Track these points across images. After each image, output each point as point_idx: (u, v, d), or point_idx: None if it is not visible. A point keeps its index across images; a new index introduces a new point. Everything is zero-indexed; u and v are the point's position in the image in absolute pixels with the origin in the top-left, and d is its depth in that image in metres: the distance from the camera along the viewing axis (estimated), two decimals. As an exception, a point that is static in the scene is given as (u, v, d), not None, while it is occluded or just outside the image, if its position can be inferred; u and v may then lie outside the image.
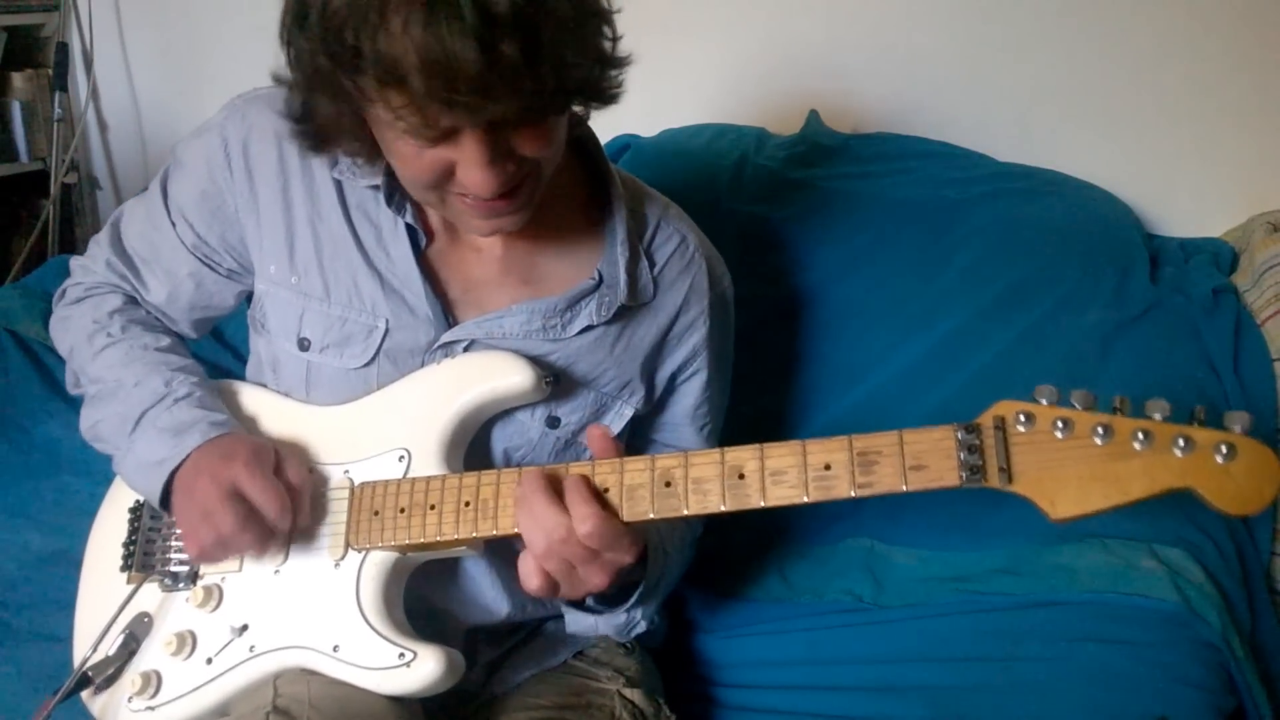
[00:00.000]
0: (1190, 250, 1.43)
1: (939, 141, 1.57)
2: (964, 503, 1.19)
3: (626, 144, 1.65)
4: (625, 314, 1.02)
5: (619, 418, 1.04)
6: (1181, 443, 0.69)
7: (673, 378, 1.07)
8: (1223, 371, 1.23)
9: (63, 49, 2.39)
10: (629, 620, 0.98)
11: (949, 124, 1.58)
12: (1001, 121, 1.57)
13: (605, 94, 0.88)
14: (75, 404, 1.48)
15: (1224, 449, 0.68)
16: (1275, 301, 1.24)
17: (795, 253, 1.45)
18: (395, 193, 0.97)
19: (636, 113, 1.79)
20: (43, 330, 1.57)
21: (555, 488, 0.84)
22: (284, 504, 0.93)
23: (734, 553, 1.26)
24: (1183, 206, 1.50)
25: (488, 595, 1.03)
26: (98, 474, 1.38)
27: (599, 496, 0.84)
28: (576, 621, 0.99)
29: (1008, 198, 1.44)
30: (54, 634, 1.18)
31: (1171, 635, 1.03)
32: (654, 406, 1.08)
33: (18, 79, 2.41)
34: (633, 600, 0.95)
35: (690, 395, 1.09)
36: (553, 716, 0.99)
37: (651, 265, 1.04)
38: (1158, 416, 0.70)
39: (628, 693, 1.03)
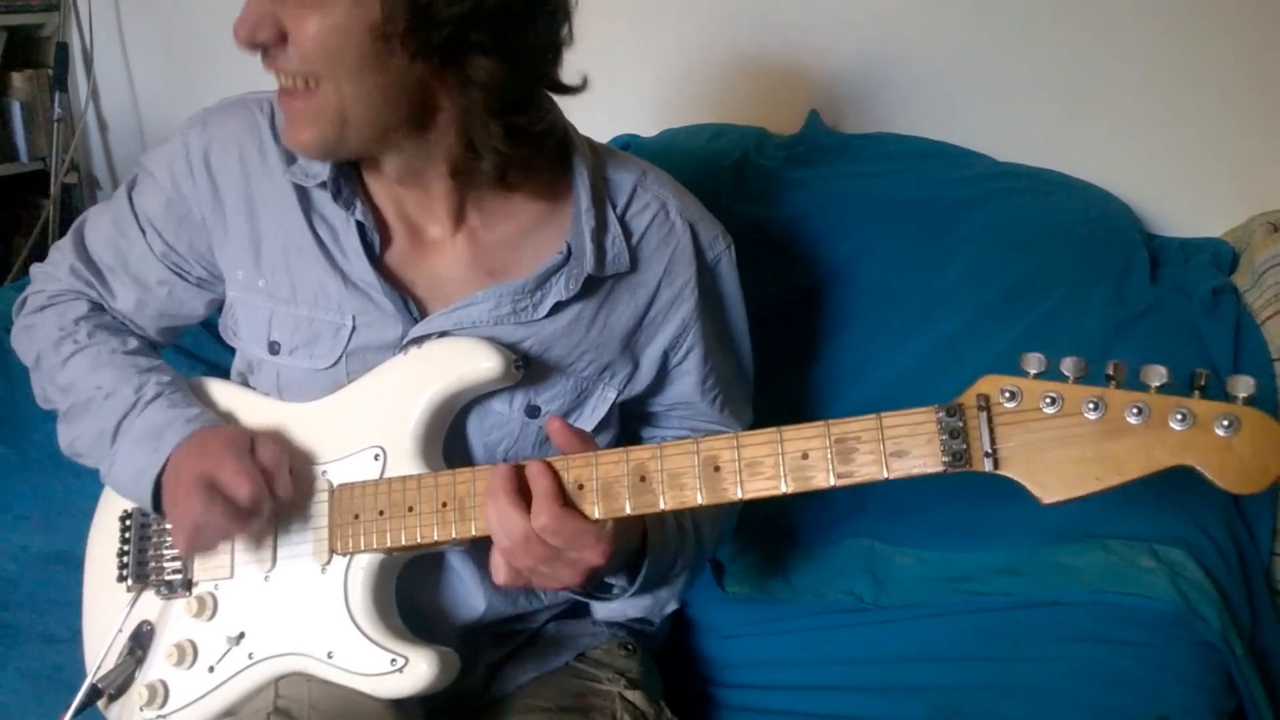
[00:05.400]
0: (1190, 250, 1.43)
1: (939, 141, 1.57)
2: (964, 503, 1.20)
3: (626, 144, 1.65)
4: (601, 290, 0.99)
5: (602, 401, 1.01)
6: (1180, 416, 0.64)
7: (665, 357, 1.03)
8: (1223, 372, 1.22)
9: (63, 49, 2.39)
10: (655, 601, 0.98)
11: (949, 124, 1.58)
12: (1002, 121, 1.57)
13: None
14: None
15: (1225, 421, 0.63)
16: (1275, 301, 1.24)
17: (795, 253, 1.44)
18: (342, 188, 0.97)
19: (636, 113, 1.79)
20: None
21: (523, 485, 0.84)
22: (255, 484, 0.91)
23: (735, 552, 1.26)
24: (1183, 206, 1.50)
25: (473, 592, 1.03)
26: (97, 474, 1.38)
27: (560, 493, 0.83)
28: (600, 608, 0.99)
29: (1008, 198, 1.44)
30: (55, 634, 1.18)
31: (1171, 635, 1.03)
32: (651, 388, 1.04)
33: (18, 79, 2.41)
34: (635, 587, 0.93)
35: (692, 372, 1.05)
36: (555, 718, 0.99)
37: (628, 236, 1.00)
38: (1155, 385, 0.65)
39: (629, 694, 1.03)
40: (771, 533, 1.26)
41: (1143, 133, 1.49)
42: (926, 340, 1.32)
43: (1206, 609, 1.03)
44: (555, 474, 0.84)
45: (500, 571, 0.85)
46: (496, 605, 1.03)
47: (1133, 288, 1.31)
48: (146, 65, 2.42)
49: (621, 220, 1.00)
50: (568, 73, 0.95)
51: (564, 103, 1.10)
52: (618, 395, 1.02)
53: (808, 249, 1.44)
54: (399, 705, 0.92)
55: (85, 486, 1.36)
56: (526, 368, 0.96)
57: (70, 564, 1.26)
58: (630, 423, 1.08)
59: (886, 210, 1.44)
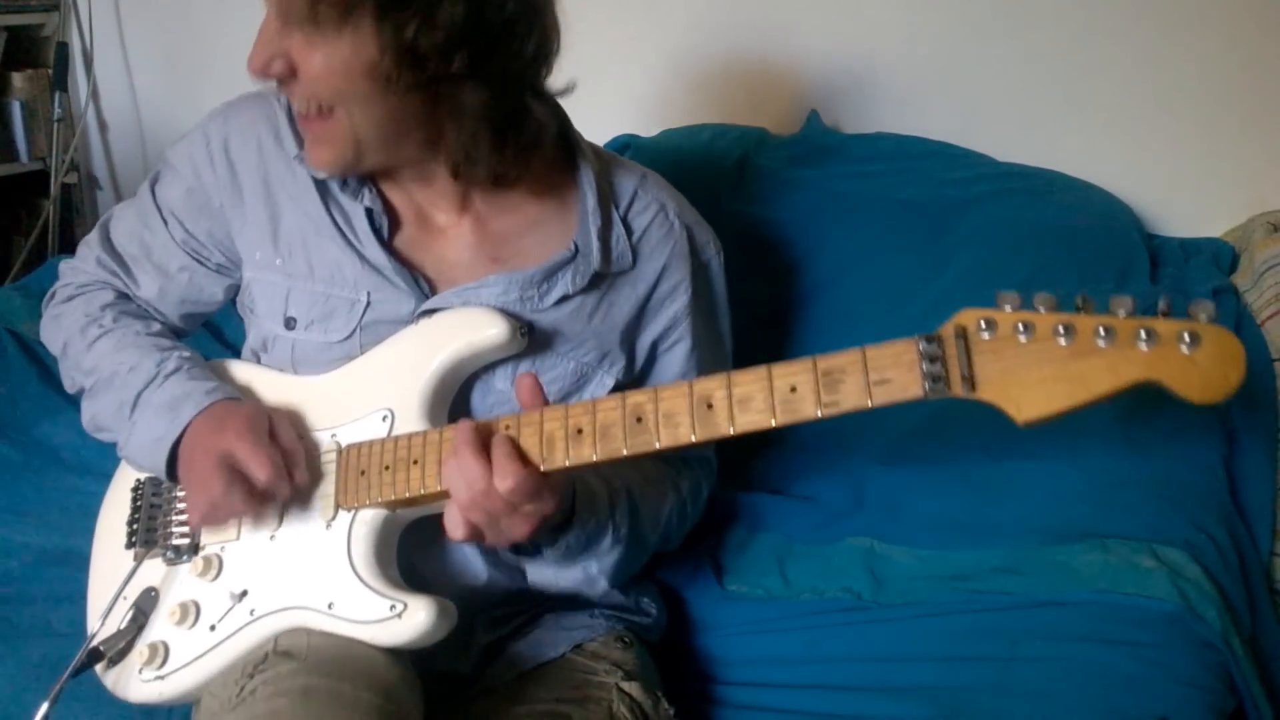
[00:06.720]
0: (1190, 250, 1.43)
1: (939, 141, 1.57)
2: (964, 502, 1.20)
3: (626, 144, 1.65)
4: (603, 283, 1.05)
5: (600, 387, 1.06)
6: (1144, 335, 0.66)
7: (654, 346, 1.09)
8: (1223, 371, 1.22)
9: (63, 49, 2.40)
10: (586, 575, 1.01)
11: (949, 124, 1.58)
12: (1001, 121, 1.57)
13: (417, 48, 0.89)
14: (76, 403, 1.48)
15: (1187, 337, 0.66)
16: (1275, 301, 1.24)
17: (795, 253, 1.45)
18: (349, 178, 1.03)
19: (636, 113, 1.79)
20: (43, 330, 1.58)
21: (484, 441, 0.86)
22: (275, 467, 0.94)
23: (733, 550, 1.26)
24: (1183, 206, 1.50)
25: (472, 562, 1.05)
26: (98, 472, 1.38)
27: (521, 454, 0.86)
28: (536, 573, 1.02)
29: (1008, 198, 1.44)
30: (56, 630, 1.19)
31: (1171, 635, 1.03)
32: (637, 376, 1.09)
33: (18, 79, 2.41)
34: (561, 548, 0.95)
35: (675, 364, 1.10)
36: (552, 709, 0.99)
37: (630, 233, 1.06)
38: (1121, 313, 0.68)
39: (625, 686, 1.03)
40: (770, 531, 1.27)
41: (1144, 133, 1.50)
42: (927, 340, 1.32)
43: (1206, 609, 1.03)
44: (514, 440, 0.86)
45: (457, 529, 0.87)
46: (498, 577, 1.05)
47: (1132, 288, 1.31)
48: (146, 65, 2.42)
49: (624, 220, 1.07)
50: (560, 77, 1.01)
51: (565, 103, 1.11)
52: (615, 383, 1.06)
53: (808, 249, 1.44)
54: (396, 663, 0.92)
55: (86, 485, 1.37)
56: (531, 335, 1.01)
57: (72, 561, 1.26)
58: None
59: (886, 210, 1.44)
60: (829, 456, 1.32)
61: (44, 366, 1.53)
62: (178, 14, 2.29)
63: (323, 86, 0.92)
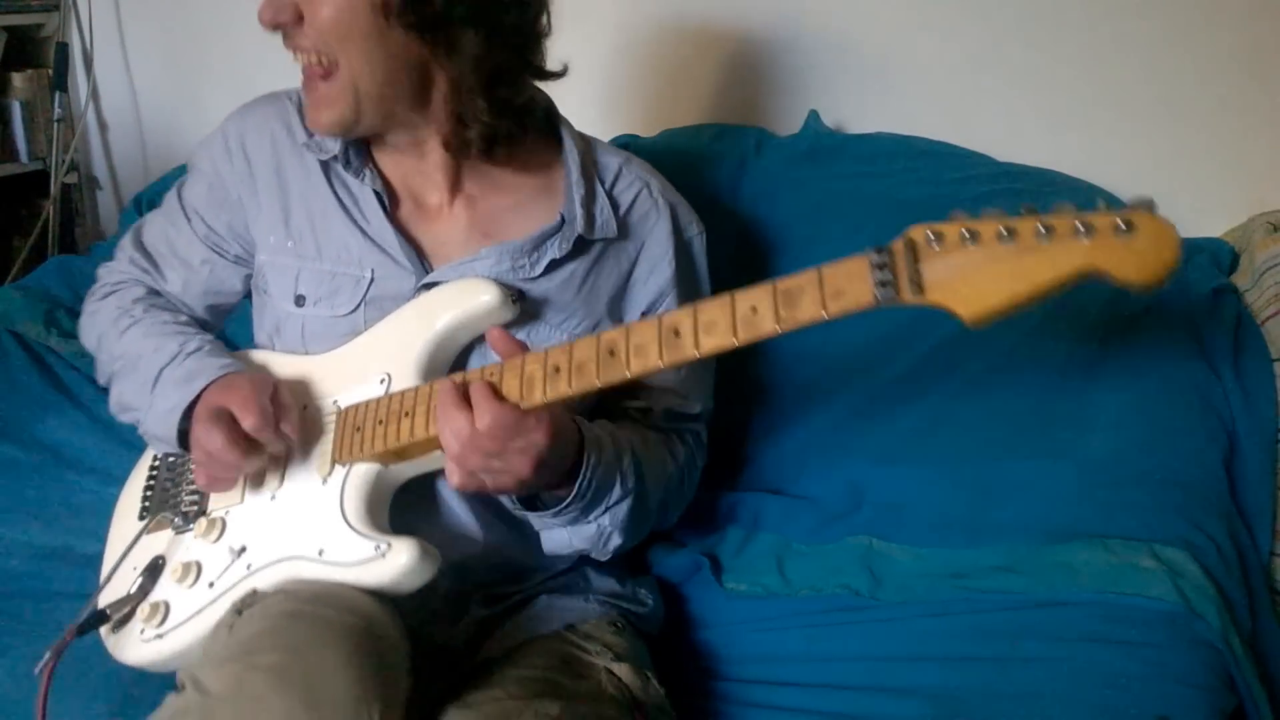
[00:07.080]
0: (1190, 250, 1.43)
1: (939, 141, 1.57)
2: (963, 501, 1.20)
3: (626, 144, 1.65)
4: (591, 253, 1.12)
5: None
6: (1081, 228, 0.69)
7: (641, 319, 1.12)
8: (1223, 371, 1.23)
9: (63, 49, 2.39)
10: (599, 532, 1.03)
11: (949, 124, 1.58)
12: (1001, 121, 1.57)
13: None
14: (77, 403, 1.49)
15: (1122, 225, 0.68)
16: (1275, 301, 1.24)
17: (795, 253, 1.44)
18: (352, 160, 1.11)
19: (637, 113, 1.79)
20: (43, 330, 1.58)
21: (465, 393, 0.91)
22: (263, 414, 1.00)
23: (733, 550, 1.26)
24: (1183, 206, 1.50)
25: (465, 523, 1.08)
26: (100, 472, 1.39)
27: (497, 394, 0.91)
28: (551, 540, 1.05)
29: (1008, 198, 1.43)
30: (58, 623, 1.19)
31: (1171, 635, 1.03)
32: None
33: (18, 79, 2.41)
34: (574, 494, 0.97)
35: None
36: (544, 676, 1.00)
37: (616, 208, 1.14)
38: (1061, 213, 0.71)
39: (614, 667, 1.05)
40: (769, 531, 1.27)
41: (1143, 133, 1.49)
42: (926, 340, 1.32)
43: (1206, 609, 1.03)
44: (490, 384, 0.91)
45: (453, 476, 0.92)
46: (494, 540, 1.09)
47: (1132, 287, 1.31)
48: (146, 65, 2.42)
49: (609, 194, 1.14)
50: (554, 66, 1.10)
51: (566, 103, 1.12)
52: None
53: (808, 249, 1.44)
54: (385, 610, 0.93)
55: (87, 483, 1.38)
56: (522, 302, 1.07)
57: (71, 559, 1.27)
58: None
59: (886, 210, 1.44)
60: (828, 456, 1.32)
61: (44, 366, 1.53)
62: (178, 14, 2.29)
63: (328, 29, 0.99)
